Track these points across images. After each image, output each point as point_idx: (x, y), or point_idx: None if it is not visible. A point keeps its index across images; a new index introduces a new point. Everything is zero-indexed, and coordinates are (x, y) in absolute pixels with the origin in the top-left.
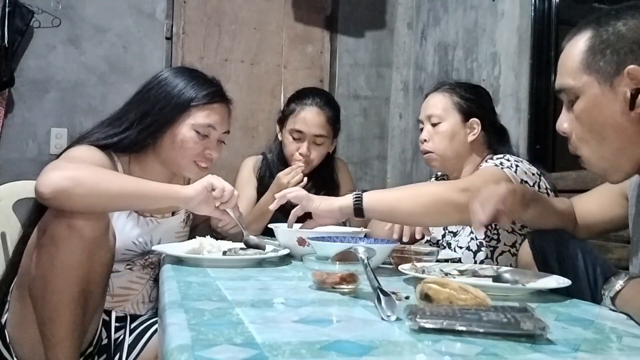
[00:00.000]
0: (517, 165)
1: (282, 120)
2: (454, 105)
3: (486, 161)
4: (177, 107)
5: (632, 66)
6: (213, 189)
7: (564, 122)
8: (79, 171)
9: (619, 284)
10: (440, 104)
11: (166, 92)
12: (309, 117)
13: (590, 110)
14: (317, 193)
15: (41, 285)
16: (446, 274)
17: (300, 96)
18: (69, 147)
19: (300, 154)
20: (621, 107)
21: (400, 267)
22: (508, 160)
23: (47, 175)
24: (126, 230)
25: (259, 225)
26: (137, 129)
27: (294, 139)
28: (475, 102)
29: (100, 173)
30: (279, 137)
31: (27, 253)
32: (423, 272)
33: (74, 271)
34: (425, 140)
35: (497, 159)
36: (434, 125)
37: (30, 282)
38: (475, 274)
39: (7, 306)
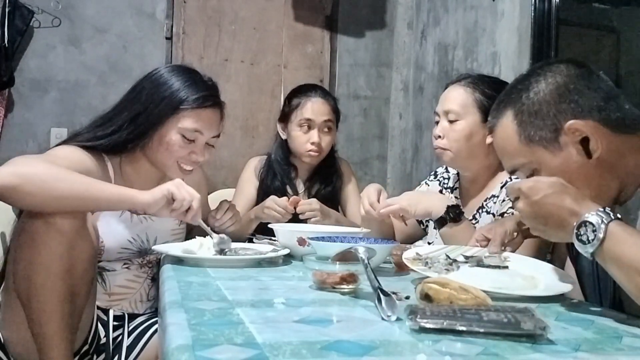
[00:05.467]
0: None
1: (285, 117)
2: (475, 102)
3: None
4: (167, 108)
5: (569, 122)
6: (173, 199)
7: None
8: (30, 168)
9: (598, 236)
10: (459, 100)
11: (159, 91)
12: (316, 106)
13: (555, 176)
14: (320, 188)
15: (26, 283)
16: (453, 261)
17: (301, 90)
18: (56, 145)
19: (312, 143)
20: (578, 160)
21: (404, 256)
22: None
23: (2, 169)
24: (120, 229)
25: (241, 231)
26: (127, 131)
27: (303, 129)
28: None
29: (52, 171)
30: (282, 136)
31: (10, 253)
32: (426, 263)
33: (55, 266)
34: (439, 137)
35: None
36: (451, 122)
37: (14, 281)
38: (480, 263)
39: None
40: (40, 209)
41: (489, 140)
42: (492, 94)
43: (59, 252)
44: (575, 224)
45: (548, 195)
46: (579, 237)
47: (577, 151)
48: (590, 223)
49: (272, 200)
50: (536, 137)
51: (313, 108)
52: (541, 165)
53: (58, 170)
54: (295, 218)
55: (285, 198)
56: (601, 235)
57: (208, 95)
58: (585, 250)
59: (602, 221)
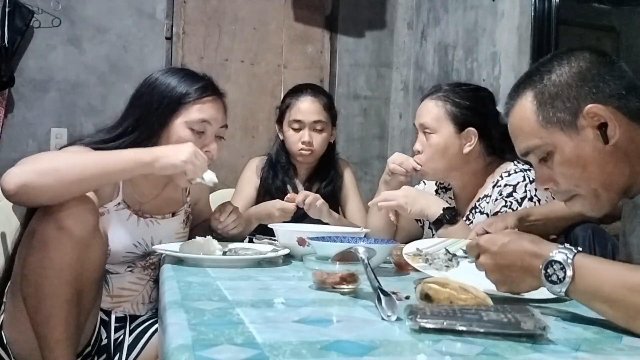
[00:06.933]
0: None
1: (280, 118)
2: (448, 115)
3: (507, 174)
4: (169, 107)
5: (588, 106)
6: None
7: (547, 179)
8: (40, 162)
9: (568, 273)
10: (432, 113)
11: (157, 93)
12: (305, 105)
13: (570, 159)
14: (319, 187)
15: (33, 287)
16: (452, 255)
17: (293, 90)
18: (62, 147)
19: (302, 142)
20: (595, 145)
21: (404, 251)
22: (528, 188)
23: (9, 171)
24: (126, 233)
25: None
26: (133, 135)
27: (294, 130)
28: (472, 109)
29: (61, 159)
30: (280, 137)
31: (19, 256)
32: (427, 259)
33: (66, 271)
34: (418, 152)
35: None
36: (427, 134)
37: (22, 284)
38: None
39: (2, 307)
40: (62, 198)
41: (466, 149)
42: (464, 103)
43: (70, 258)
44: (541, 265)
45: (506, 244)
46: (549, 278)
47: (594, 136)
48: (557, 261)
49: (281, 210)
50: (554, 118)
51: (302, 108)
52: (556, 147)
53: (66, 156)
54: (295, 218)
55: (291, 204)
56: (570, 273)
57: (207, 85)
58: (559, 290)
59: (567, 257)
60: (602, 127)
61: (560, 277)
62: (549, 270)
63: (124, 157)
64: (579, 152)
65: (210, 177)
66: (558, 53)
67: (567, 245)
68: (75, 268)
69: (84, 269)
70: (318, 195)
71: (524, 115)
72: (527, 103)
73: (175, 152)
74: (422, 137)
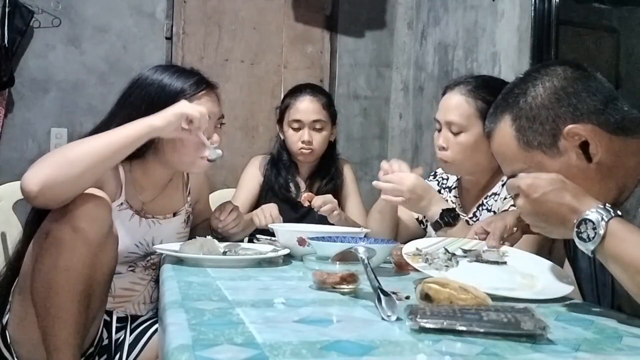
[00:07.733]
0: None
1: (280, 119)
2: (477, 112)
3: None
4: (165, 105)
5: (568, 127)
6: (190, 120)
7: None
8: (49, 159)
9: (599, 233)
10: (462, 110)
11: (148, 91)
12: (304, 105)
13: None
14: (320, 185)
15: (44, 288)
16: (452, 255)
17: (292, 91)
18: None
19: (302, 141)
20: (579, 165)
21: (404, 251)
22: None
23: (25, 176)
24: (129, 233)
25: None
26: None
27: (293, 129)
28: None
29: (66, 149)
30: (281, 136)
31: (29, 256)
32: (427, 259)
33: (78, 274)
34: (443, 148)
35: None
36: (454, 133)
37: (32, 285)
38: (478, 257)
39: (8, 307)
40: (82, 187)
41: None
42: (493, 100)
43: (83, 261)
44: (575, 221)
45: (547, 193)
46: (580, 235)
47: (576, 155)
48: (590, 221)
49: (268, 207)
50: (535, 142)
51: (301, 108)
52: (541, 170)
53: (71, 147)
54: (295, 218)
55: (277, 214)
56: (602, 232)
57: (199, 79)
58: (586, 248)
59: (602, 218)
60: (584, 146)
61: (590, 236)
62: (581, 228)
63: (127, 130)
64: (564, 173)
65: (216, 153)
66: (531, 71)
67: (608, 206)
68: (87, 271)
69: (95, 272)
70: (335, 203)
71: (504, 140)
72: (506, 127)
73: (170, 107)
74: (447, 133)
